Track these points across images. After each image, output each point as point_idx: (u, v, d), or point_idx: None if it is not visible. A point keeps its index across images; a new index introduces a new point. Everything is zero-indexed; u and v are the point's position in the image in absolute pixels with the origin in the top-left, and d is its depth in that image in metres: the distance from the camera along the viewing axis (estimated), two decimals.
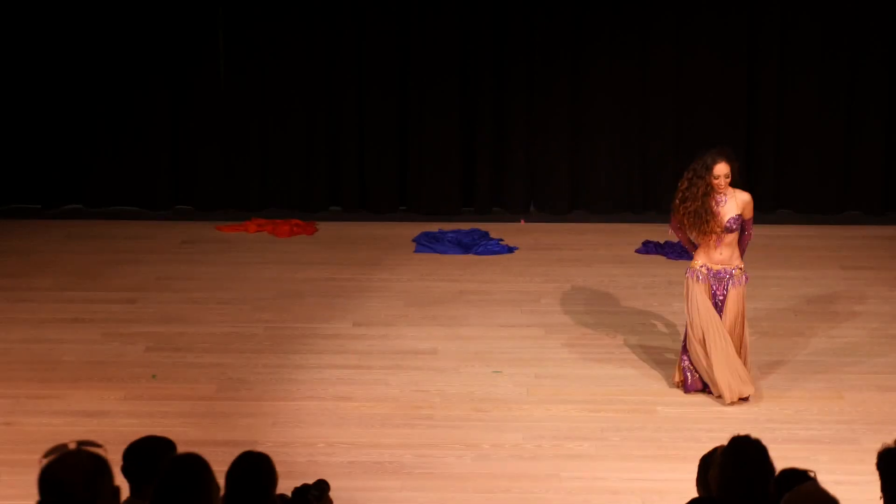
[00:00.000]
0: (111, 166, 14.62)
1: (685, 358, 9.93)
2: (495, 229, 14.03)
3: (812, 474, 5.46)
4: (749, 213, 9.88)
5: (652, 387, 10.12)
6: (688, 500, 5.65)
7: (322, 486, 5.93)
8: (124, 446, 5.60)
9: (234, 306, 11.80)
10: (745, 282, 9.84)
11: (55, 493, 4.38)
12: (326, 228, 13.99)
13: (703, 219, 9.70)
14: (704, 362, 9.76)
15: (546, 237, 13.91)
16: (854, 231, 14.13)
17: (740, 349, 9.83)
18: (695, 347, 9.77)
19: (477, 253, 13.30)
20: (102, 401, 9.82)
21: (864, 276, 12.70)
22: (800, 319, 11.56)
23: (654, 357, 10.69)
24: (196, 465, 5.00)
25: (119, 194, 14.67)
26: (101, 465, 4.48)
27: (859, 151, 14.54)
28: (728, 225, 9.75)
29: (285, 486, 5.60)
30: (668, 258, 13.18)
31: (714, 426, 9.36)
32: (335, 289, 12.29)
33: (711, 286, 9.80)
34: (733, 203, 9.81)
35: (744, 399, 9.82)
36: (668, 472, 8.73)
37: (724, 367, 9.70)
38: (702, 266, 9.80)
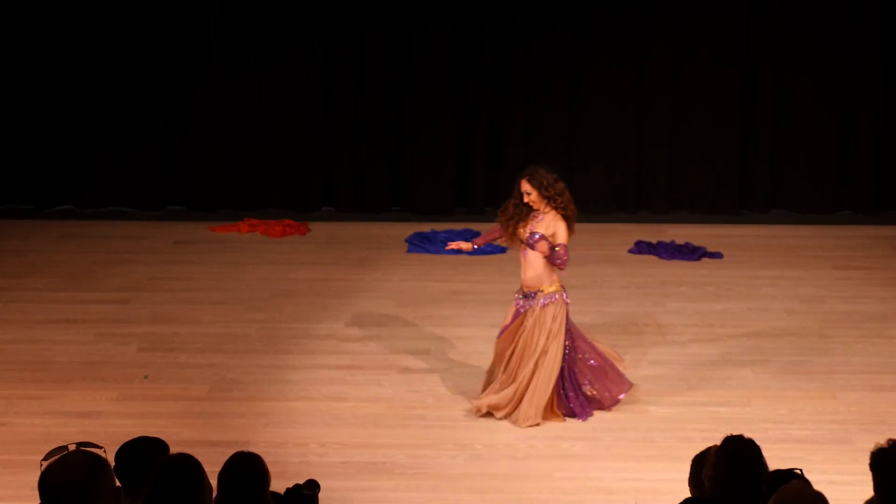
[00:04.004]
0: (104, 167, 14.61)
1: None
2: (489, 230, 13.98)
3: (798, 471, 5.46)
4: (560, 237, 9.32)
5: (644, 387, 10.11)
6: (681, 499, 5.65)
7: (314, 486, 5.91)
8: (117, 447, 5.59)
9: (227, 306, 11.79)
10: (547, 307, 9.42)
11: (56, 495, 4.37)
12: (319, 228, 13.99)
13: (507, 228, 9.52)
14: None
15: None
16: (848, 231, 14.15)
17: (514, 382, 9.42)
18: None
19: (469, 253, 13.28)
20: (95, 401, 9.81)
21: (858, 275, 12.71)
22: (793, 319, 11.57)
23: (647, 357, 10.69)
24: (189, 466, 4.99)
25: (112, 195, 14.66)
26: (102, 465, 4.47)
27: (853, 152, 14.56)
28: (528, 240, 9.38)
29: (278, 487, 5.59)
30: (661, 258, 13.19)
31: (707, 426, 9.35)
32: (328, 289, 12.28)
33: (518, 308, 9.50)
34: (545, 225, 9.38)
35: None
36: (661, 471, 8.73)
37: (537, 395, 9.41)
38: (521, 289, 9.55)
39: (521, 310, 9.48)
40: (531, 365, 9.36)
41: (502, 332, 9.54)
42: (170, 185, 14.74)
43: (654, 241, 13.55)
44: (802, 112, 14.48)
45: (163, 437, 5.73)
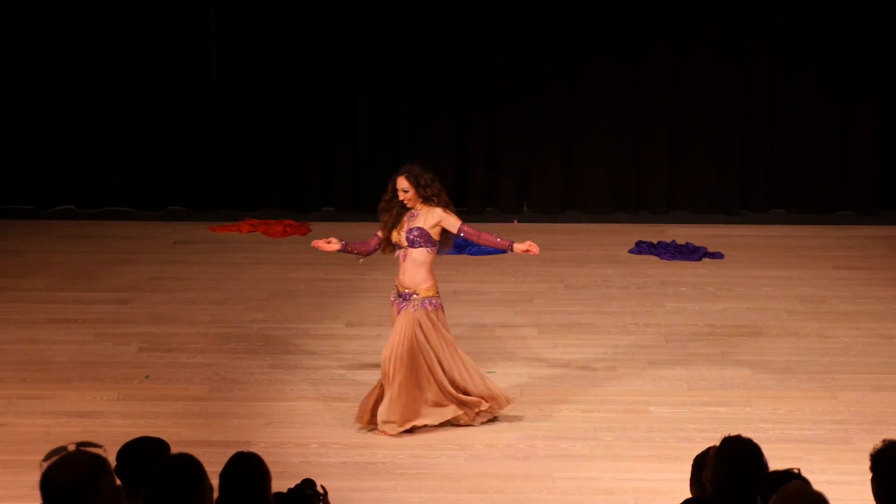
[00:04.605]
0: (104, 167, 14.61)
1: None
2: (488, 229, 13.98)
3: (796, 471, 5.46)
4: (450, 222, 9.17)
5: (645, 387, 10.12)
6: (681, 500, 5.65)
7: (311, 485, 5.91)
8: (117, 447, 5.58)
9: (226, 307, 11.79)
10: (422, 311, 9.15)
11: (57, 495, 4.36)
12: (320, 229, 13.98)
13: (386, 227, 9.30)
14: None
15: (539, 237, 13.76)
16: (847, 231, 14.15)
17: (382, 388, 9.22)
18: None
19: (470, 253, 13.29)
20: (95, 401, 9.81)
21: (857, 275, 12.71)
22: (793, 319, 11.57)
23: (647, 357, 10.69)
24: (189, 466, 4.99)
25: (112, 195, 14.66)
26: (102, 465, 4.47)
27: (852, 151, 14.56)
28: (408, 237, 9.17)
29: (279, 487, 5.59)
30: (662, 258, 13.20)
31: (707, 426, 9.35)
32: (328, 289, 12.29)
33: (398, 309, 9.24)
34: (423, 219, 9.21)
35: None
36: (661, 472, 8.73)
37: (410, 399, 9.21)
38: (397, 289, 9.28)
39: (401, 308, 9.24)
40: (402, 371, 9.14)
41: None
42: (170, 186, 14.74)
43: (654, 241, 13.55)
44: (802, 112, 14.49)
45: (163, 437, 5.73)
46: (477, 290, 12.25)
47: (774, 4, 14.30)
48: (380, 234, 9.44)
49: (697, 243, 13.48)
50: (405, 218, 9.28)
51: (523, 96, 14.55)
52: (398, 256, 9.31)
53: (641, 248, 13.45)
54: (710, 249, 13.36)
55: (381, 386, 9.27)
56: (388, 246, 9.35)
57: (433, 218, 9.22)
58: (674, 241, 13.55)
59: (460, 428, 9.41)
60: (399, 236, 9.26)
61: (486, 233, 9.45)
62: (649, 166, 14.65)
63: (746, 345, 10.98)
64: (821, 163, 14.58)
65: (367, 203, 14.73)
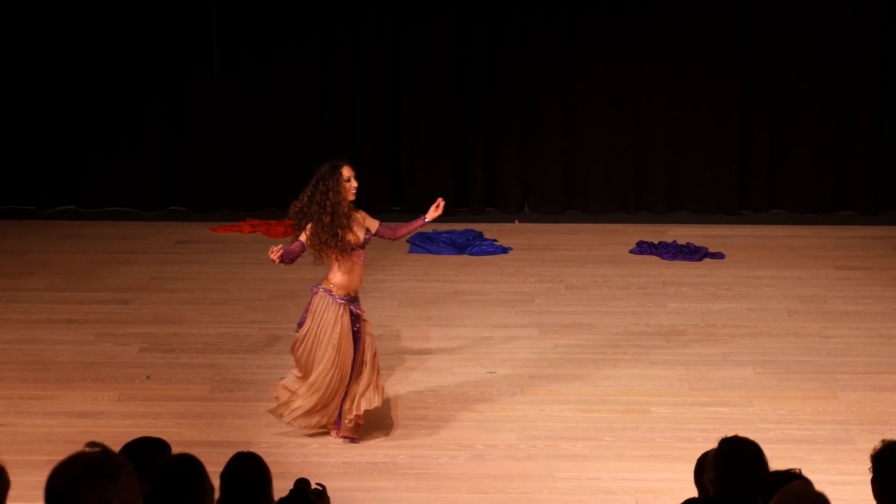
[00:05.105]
0: (105, 167, 14.62)
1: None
2: (489, 230, 14.04)
3: (797, 471, 5.46)
4: (372, 223, 9.02)
5: (645, 387, 10.12)
6: (682, 500, 5.65)
7: (307, 484, 5.91)
8: (118, 447, 5.59)
9: (228, 307, 11.80)
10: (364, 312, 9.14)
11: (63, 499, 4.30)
12: None
13: (343, 233, 8.83)
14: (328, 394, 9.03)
15: (540, 237, 13.92)
16: (848, 231, 14.15)
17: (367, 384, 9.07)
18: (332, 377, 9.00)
19: (471, 253, 13.30)
20: (96, 402, 9.81)
21: (858, 275, 12.72)
22: (794, 319, 11.58)
23: (648, 357, 10.69)
24: (191, 466, 4.99)
25: (113, 195, 14.67)
26: (119, 467, 4.40)
27: (853, 151, 14.57)
28: (366, 237, 8.95)
29: (279, 487, 5.59)
30: (663, 258, 13.20)
31: (708, 426, 9.35)
32: None
33: (353, 310, 8.99)
34: (360, 217, 9.03)
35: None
36: (661, 472, 8.73)
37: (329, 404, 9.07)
38: (346, 293, 8.97)
39: (357, 311, 9.06)
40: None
41: (338, 337, 8.96)
42: (171, 186, 14.75)
43: (655, 241, 13.55)
44: (802, 111, 14.49)
45: (164, 438, 5.74)
46: (478, 291, 12.25)
47: (774, 3, 14.30)
48: (303, 238, 8.94)
49: (698, 243, 13.48)
50: (354, 219, 8.98)
51: (523, 96, 14.55)
52: (333, 259, 8.89)
53: (642, 248, 13.45)
54: (711, 249, 13.36)
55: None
56: (347, 248, 8.88)
57: (361, 216, 9.06)
58: (675, 241, 13.55)
59: (461, 428, 9.42)
60: (356, 237, 8.95)
61: (400, 225, 9.30)
62: (650, 166, 14.66)
63: (747, 345, 10.98)
64: (821, 162, 14.59)
65: (368, 204, 14.74)
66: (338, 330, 8.94)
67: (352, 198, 8.94)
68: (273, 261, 8.89)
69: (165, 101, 14.55)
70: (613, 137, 14.61)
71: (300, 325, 9.12)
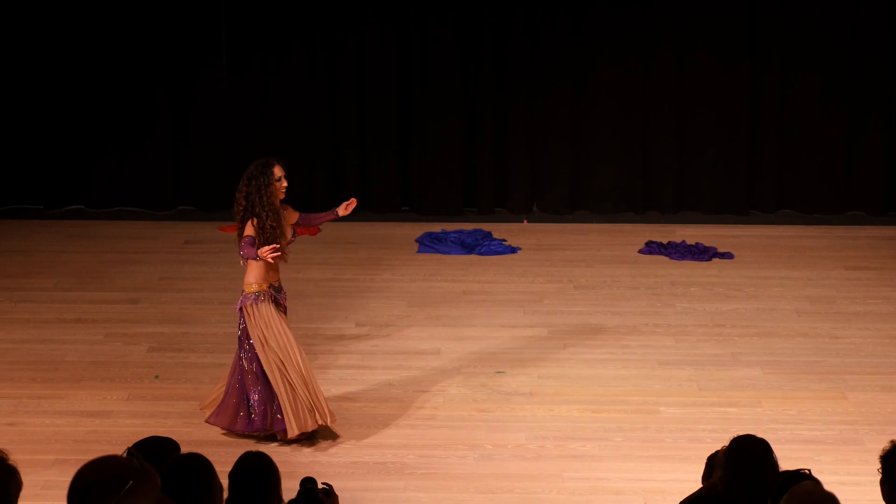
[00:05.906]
0: (113, 167, 14.63)
1: (255, 392, 8.96)
2: (498, 229, 14.04)
3: (806, 471, 5.45)
4: (294, 217, 9.15)
5: (654, 387, 10.11)
6: None
7: (314, 482, 5.90)
8: (127, 447, 5.59)
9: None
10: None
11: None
12: (329, 228, 13.98)
13: (279, 230, 8.85)
14: (288, 394, 8.89)
15: (549, 237, 13.91)
16: (857, 231, 14.13)
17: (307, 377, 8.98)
18: (276, 378, 8.86)
19: (480, 253, 13.30)
20: (105, 401, 9.82)
21: (867, 276, 12.70)
22: (802, 320, 11.56)
23: (657, 358, 10.68)
24: (199, 465, 5.00)
25: (121, 195, 14.68)
26: (144, 475, 4.37)
27: (861, 152, 14.54)
28: (292, 238, 9.06)
29: (287, 486, 5.59)
30: (672, 258, 13.19)
31: (717, 427, 9.35)
32: (337, 289, 12.29)
33: (280, 301, 9.04)
34: (286, 215, 9.08)
35: (306, 433, 9.08)
36: (670, 472, 8.72)
37: (300, 399, 8.92)
38: (269, 287, 8.97)
39: (283, 301, 9.13)
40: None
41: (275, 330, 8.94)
42: (179, 185, 14.75)
43: (664, 241, 13.54)
44: (810, 112, 14.47)
45: (173, 437, 5.74)
46: (487, 291, 12.25)
47: (782, 5, 14.29)
48: (251, 233, 8.83)
49: (707, 243, 13.47)
50: (285, 214, 9.09)
51: (532, 96, 14.54)
52: (261, 255, 8.78)
53: (651, 248, 13.44)
54: (720, 250, 13.35)
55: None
56: (285, 247, 8.97)
57: (288, 213, 9.14)
58: (684, 241, 13.54)
59: (470, 428, 9.41)
60: (289, 232, 9.07)
61: (312, 216, 9.40)
62: (658, 166, 14.64)
63: (756, 345, 10.97)
64: (830, 163, 14.57)
65: (376, 203, 14.77)
66: (275, 325, 8.90)
67: (282, 196, 8.96)
68: (270, 261, 8.87)
69: (174, 101, 14.56)
70: (622, 137, 14.60)
71: (245, 340, 8.94)
